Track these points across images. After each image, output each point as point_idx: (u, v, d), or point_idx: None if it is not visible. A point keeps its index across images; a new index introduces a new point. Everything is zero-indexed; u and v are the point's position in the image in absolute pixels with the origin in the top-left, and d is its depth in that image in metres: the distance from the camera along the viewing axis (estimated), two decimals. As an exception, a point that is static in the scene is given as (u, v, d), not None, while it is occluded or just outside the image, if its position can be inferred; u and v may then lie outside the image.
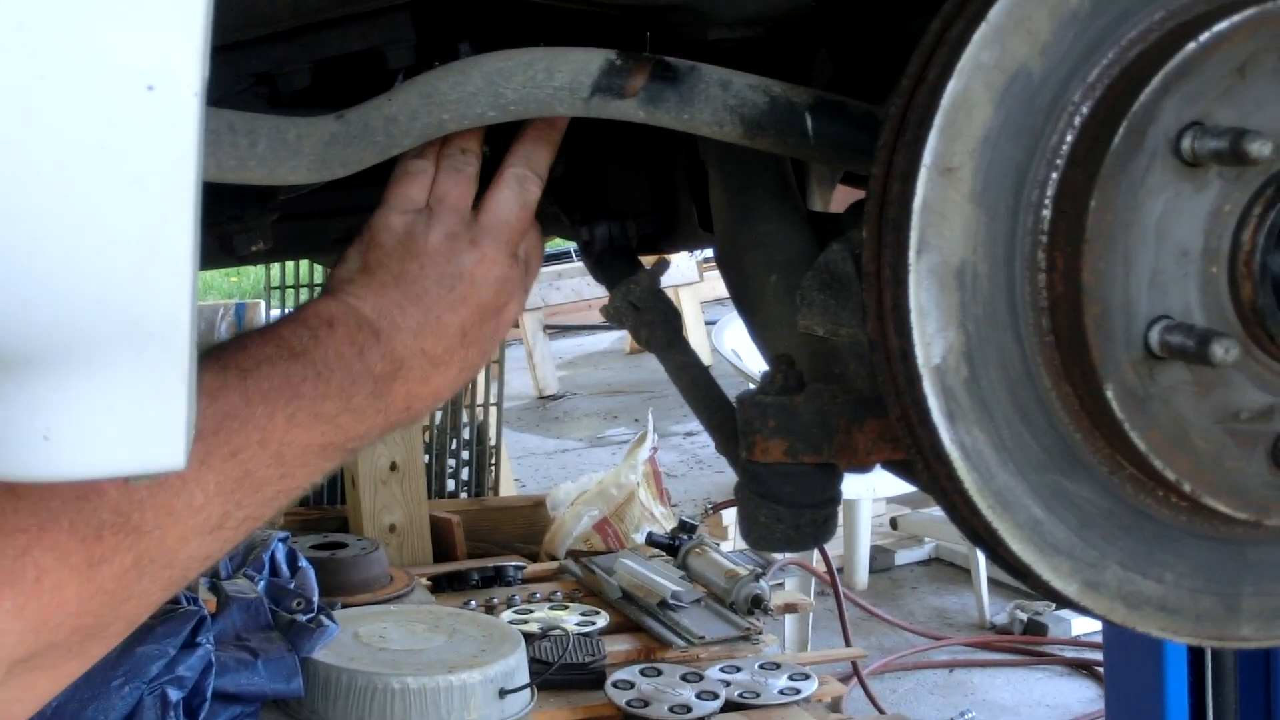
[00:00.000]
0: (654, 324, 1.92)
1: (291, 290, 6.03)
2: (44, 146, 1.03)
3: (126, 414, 1.15)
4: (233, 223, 1.82)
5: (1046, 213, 1.36)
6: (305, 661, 4.12)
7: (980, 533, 1.41)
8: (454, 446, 6.19)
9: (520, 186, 1.70)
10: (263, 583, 4.42)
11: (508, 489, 6.39)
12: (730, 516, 6.07)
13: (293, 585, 4.47)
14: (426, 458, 5.84)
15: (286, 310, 5.99)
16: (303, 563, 4.63)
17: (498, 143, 1.75)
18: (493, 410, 6.30)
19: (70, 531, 1.38)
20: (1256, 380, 1.38)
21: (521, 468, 7.95)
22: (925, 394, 1.36)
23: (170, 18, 1.02)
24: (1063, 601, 1.44)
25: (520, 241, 1.69)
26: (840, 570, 6.19)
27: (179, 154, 1.06)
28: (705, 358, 9.90)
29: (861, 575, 6.57)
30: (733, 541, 5.92)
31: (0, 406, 1.14)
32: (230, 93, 1.71)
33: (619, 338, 10.19)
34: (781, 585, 5.63)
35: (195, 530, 1.44)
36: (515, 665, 4.25)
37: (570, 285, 9.67)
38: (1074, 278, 1.34)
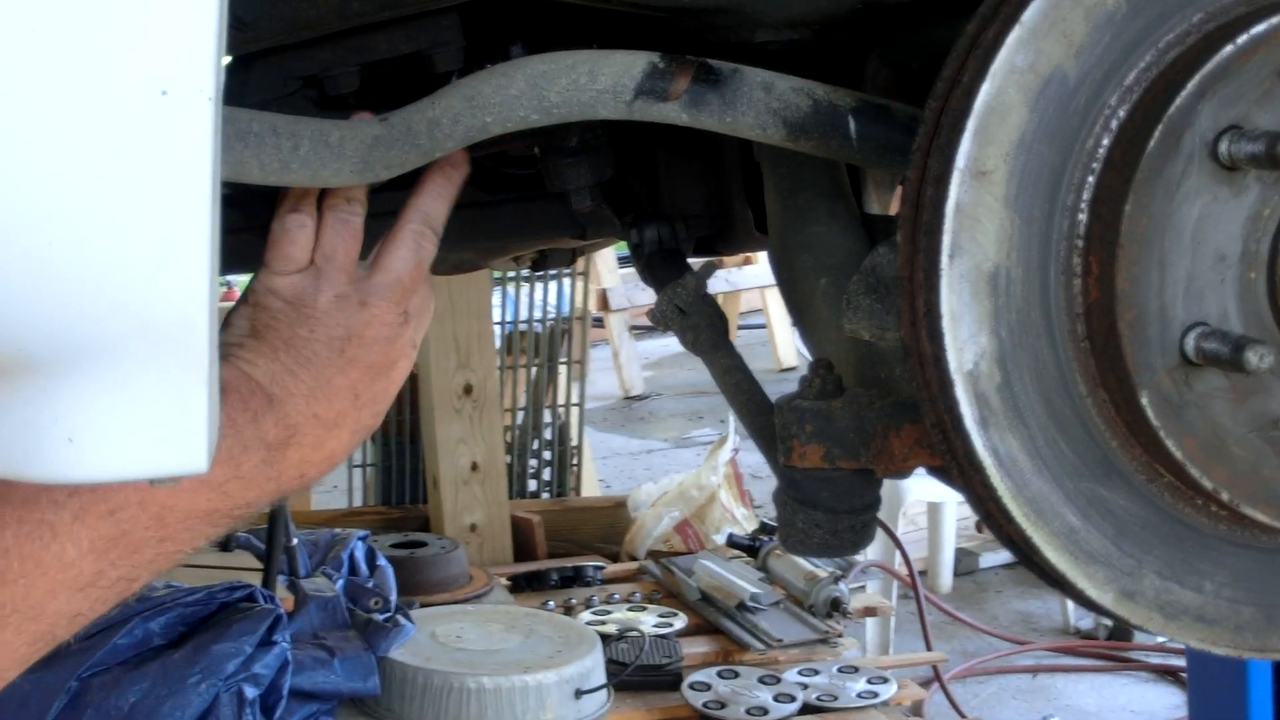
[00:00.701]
0: (699, 327, 1.92)
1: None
2: (59, 151, 1.04)
3: (148, 417, 1.16)
4: (279, 226, 1.83)
5: (1082, 217, 1.35)
6: (382, 660, 4.13)
7: (1015, 540, 1.39)
8: (535, 447, 6.20)
9: (417, 244, 1.65)
10: (341, 581, 4.43)
11: (590, 489, 6.39)
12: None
13: (371, 584, 4.48)
14: (508, 458, 5.85)
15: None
16: (381, 561, 4.64)
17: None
18: (574, 410, 6.31)
19: None
20: (1296, 387, 1.36)
21: (606, 468, 7.95)
22: (958, 399, 1.35)
23: (182, 22, 1.03)
24: (1099, 610, 1.42)
25: (410, 299, 1.64)
26: (923, 573, 6.16)
27: (194, 158, 1.07)
28: (792, 358, 9.89)
29: (945, 578, 6.53)
30: (814, 543, 5.88)
31: (25, 409, 1.16)
32: (278, 96, 1.72)
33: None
34: (863, 588, 5.59)
35: (64, 585, 1.41)
36: (591, 666, 4.24)
37: (658, 286, 9.61)
38: (1108, 283, 1.32)
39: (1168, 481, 1.38)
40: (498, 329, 5.98)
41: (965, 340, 1.34)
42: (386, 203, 1.71)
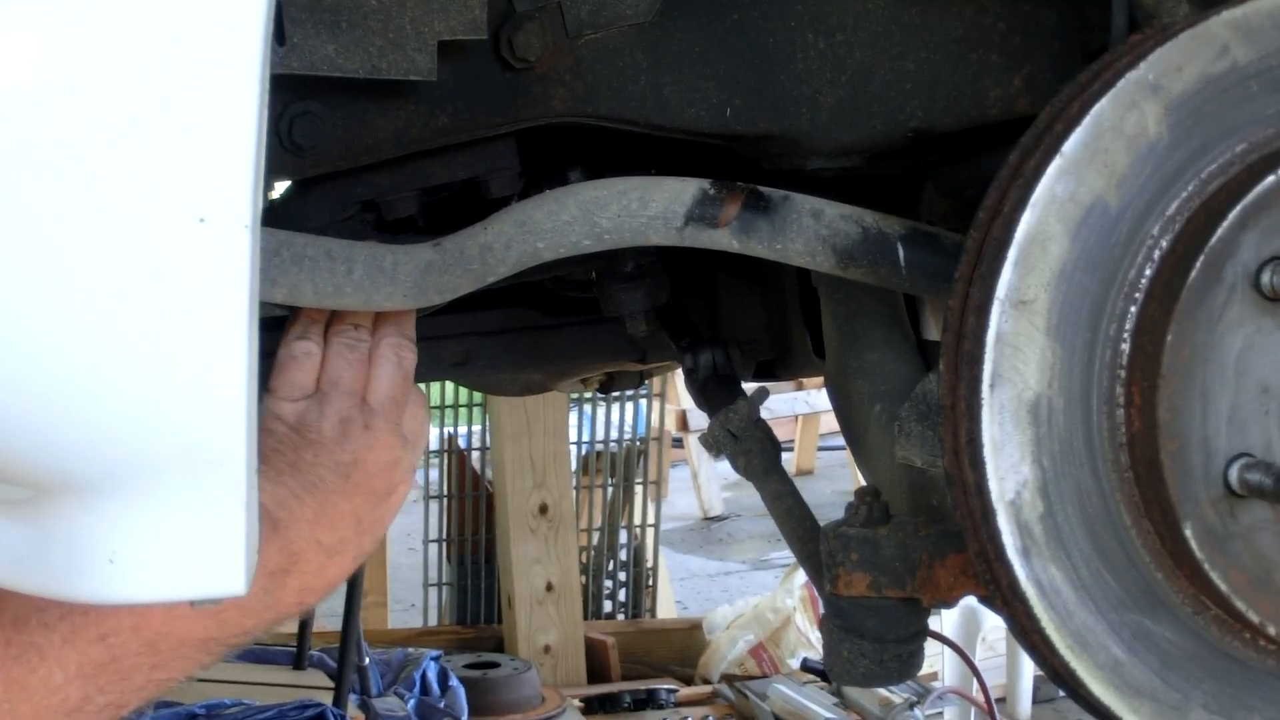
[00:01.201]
0: (751, 453, 1.92)
1: (450, 409, 6.10)
2: (100, 276, 1.06)
3: (187, 539, 1.17)
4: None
5: (1125, 347, 1.35)
6: (452, 781, 4.12)
7: (1060, 673, 1.38)
8: (611, 567, 6.19)
9: (397, 357, 1.62)
10: (413, 701, 4.44)
11: (666, 610, 6.36)
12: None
13: (443, 704, 4.48)
14: (583, 578, 5.84)
15: (447, 430, 6.05)
16: (453, 681, 4.64)
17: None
18: (650, 531, 6.30)
19: None
20: (1342, 520, 1.35)
21: (683, 590, 7.91)
22: (1000, 529, 1.34)
23: (220, 152, 1.05)
24: (1146, 744, 1.40)
25: (404, 416, 1.62)
26: (1001, 700, 6.07)
27: (231, 284, 1.08)
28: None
29: (1024, 706, 6.43)
30: (891, 668, 5.82)
31: (68, 529, 1.17)
32: (336, 219, 1.75)
33: (785, 459, 10.09)
34: (940, 715, 5.53)
35: (50, 709, 1.39)
36: (663, 790, 4.22)
37: (740, 406, 9.60)
38: (1151, 413, 1.32)
39: (1214, 614, 1.37)
40: (574, 449, 5.99)
41: (1007, 469, 1.34)
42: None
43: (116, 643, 1.41)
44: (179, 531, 1.16)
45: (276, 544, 1.48)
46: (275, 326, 1.58)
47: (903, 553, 1.54)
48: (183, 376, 1.10)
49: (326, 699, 4.07)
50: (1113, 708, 1.37)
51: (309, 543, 1.51)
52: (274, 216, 1.73)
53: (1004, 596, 1.37)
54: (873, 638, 1.57)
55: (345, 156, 1.68)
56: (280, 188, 1.82)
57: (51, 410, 1.09)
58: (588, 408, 6.27)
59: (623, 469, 6.27)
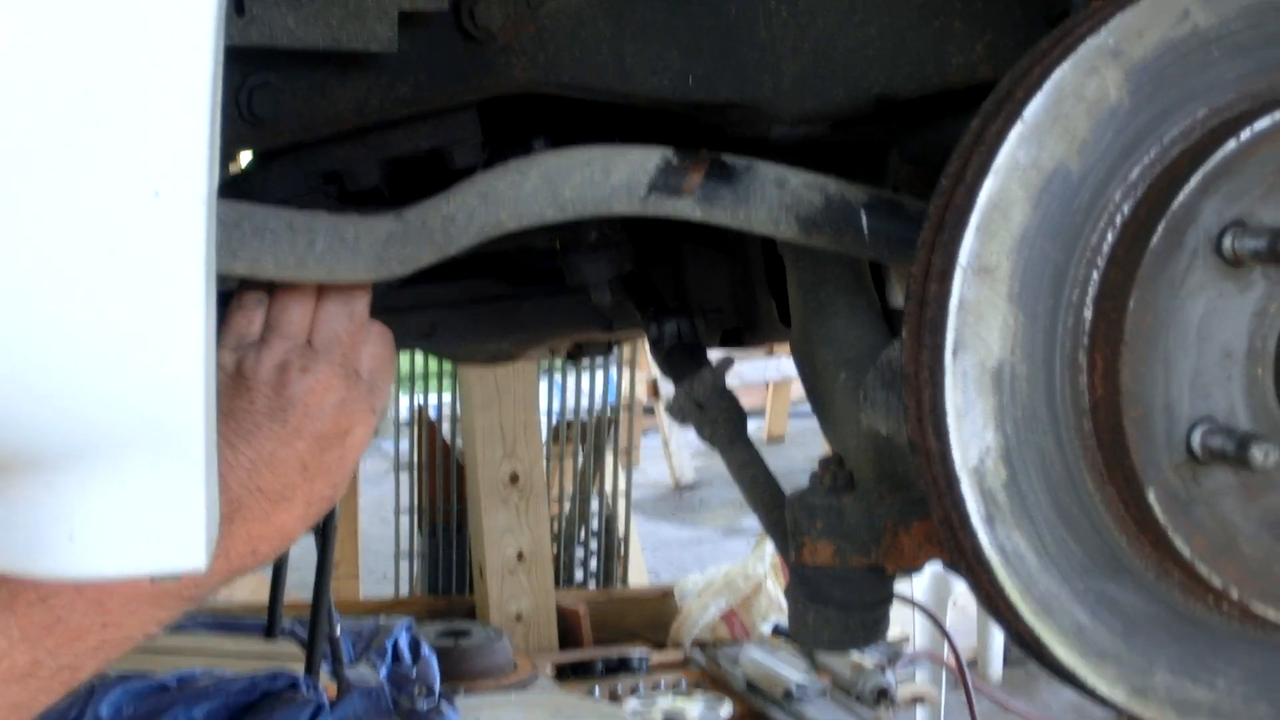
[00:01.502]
0: (717, 422, 1.91)
1: (420, 380, 6.09)
2: (54, 251, 1.05)
3: (147, 515, 1.16)
4: (301, 321, 1.84)
5: (1087, 313, 1.34)
6: (425, 749, 4.12)
7: (1025, 638, 1.38)
8: (582, 536, 6.20)
9: (348, 296, 1.59)
10: (385, 670, 4.43)
11: (638, 578, 6.37)
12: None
13: (414, 673, 4.48)
14: (554, 547, 5.84)
15: (417, 400, 6.05)
16: (425, 650, 4.64)
17: None
18: (622, 499, 6.30)
19: None
20: (1306, 484, 1.35)
21: (655, 558, 7.92)
22: (964, 496, 1.34)
23: (175, 125, 1.04)
24: (1112, 707, 1.40)
25: (358, 357, 1.57)
26: (973, 662, 6.10)
27: (187, 257, 1.08)
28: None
29: (995, 667, 6.46)
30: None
31: (27, 507, 1.16)
32: (299, 191, 1.74)
33: (756, 426, 10.16)
34: (911, 677, 5.55)
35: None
36: (635, 756, 4.23)
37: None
38: (1113, 380, 1.32)
39: (1178, 579, 1.37)
40: (545, 418, 5.99)
41: (970, 437, 1.34)
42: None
43: (59, 603, 1.37)
44: (138, 508, 1.16)
45: None
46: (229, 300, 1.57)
47: (867, 520, 1.54)
48: (140, 352, 1.09)
49: (298, 669, 4.07)
50: (1078, 671, 1.37)
51: (248, 490, 1.47)
52: (235, 189, 1.73)
53: (968, 563, 1.38)
54: (838, 605, 1.57)
55: (305, 128, 1.66)
56: (244, 160, 1.81)
57: (7, 387, 1.09)
58: (558, 376, 6.26)
59: (593, 437, 6.27)
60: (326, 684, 4.26)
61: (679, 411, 1.94)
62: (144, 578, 1.20)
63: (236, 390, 1.50)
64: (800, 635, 1.60)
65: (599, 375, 6.28)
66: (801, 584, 1.58)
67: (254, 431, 1.48)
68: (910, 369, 1.37)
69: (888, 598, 1.60)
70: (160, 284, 1.07)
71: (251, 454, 1.48)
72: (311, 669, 4.10)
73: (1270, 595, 1.35)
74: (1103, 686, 1.38)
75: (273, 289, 1.58)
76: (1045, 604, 1.36)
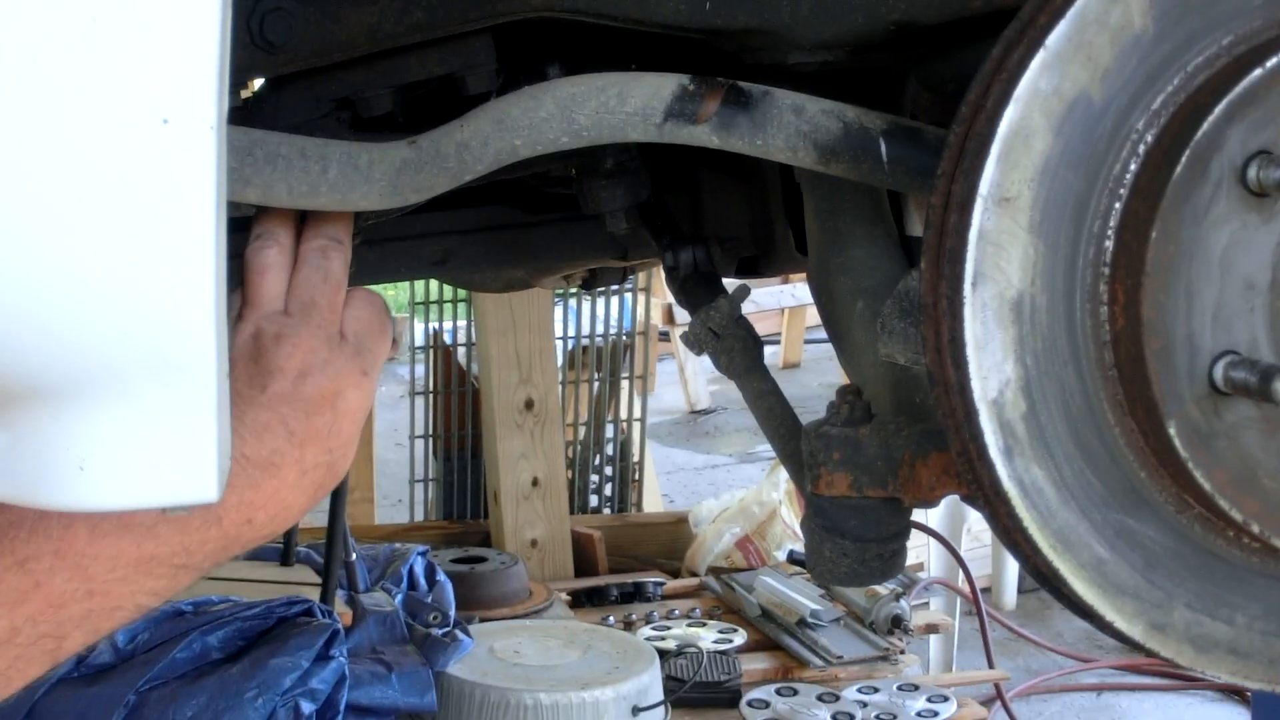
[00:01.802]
0: (733, 351, 1.90)
1: (435, 305, 6.07)
2: (62, 180, 1.04)
3: (158, 446, 1.15)
4: (313, 248, 1.83)
5: (1109, 244, 1.33)
6: (439, 675, 4.12)
7: (1043, 572, 1.37)
8: (597, 462, 6.20)
9: (322, 259, 1.53)
10: (400, 596, 4.44)
11: (653, 505, 6.37)
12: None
13: (429, 599, 4.48)
14: (569, 473, 5.84)
15: (433, 325, 6.04)
16: (440, 576, 4.64)
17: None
18: (637, 426, 6.30)
19: None
20: (1328, 418, 1.33)
21: (670, 483, 7.93)
22: (982, 429, 1.33)
23: (183, 51, 1.03)
24: (1128, 643, 1.40)
25: (340, 318, 1.52)
26: (987, 590, 6.11)
27: (197, 186, 1.06)
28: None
29: (1009, 595, 6.47)
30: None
31: (37, 438, 1.16)
32: (310, 118, 1.72)
33: (772, 352, 10.13)
34: (926, 605, 5.56)
35: None
36: (649, 683, 4.23)
37: (727, 299, 9.52)
38: (1134, 311, 1.30)
39: (1198, 513, 1.36)
40: (560, 344, 5.98)
41: (990, 368, 1.32)
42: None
43: (38, 568, 1.32)
44: (149, 438, 1.15)
45: None
46: (240, 227, 1.56)
47: (884, 452, 1.53)
48: (149, 281, 1.08)
49: (314, 595, 4.08)
50: (1095, 606, 1.36)
51: (233, 457, 1.39)
52: (247, 115, 1.71)
53: (986, 496, 1.37)
54: (854, 537, 1.56)
55: (318, 53, 1.65)
56: (256, 87, 1.79)
57: (14, 316, 1.08)
58: (573, 302, 6.25)
59: (609, 363, 6.26)
60: (342, 610, 4.27)
61: (695, 341, 1.92)
62: (155, 509, 1.18)
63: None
64: (817, 568, 1.59)
65: (614, 301, 6.26)
66: (817, 515, 1.57)
67: (234, 402, 1.40)
68: (929, 300, 1.36)
69: (904, 531, 1.59)
70: (170, 213, 1.06)
71: (232, 422, 1.40)
72: (327, 595, 4.10)
73: (1291, 530, 1.34)
74: (1121, 622, 1.37)
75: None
76: (1064, 538, 1.35)
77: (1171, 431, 1.31)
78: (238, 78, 1.64)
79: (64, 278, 1.07)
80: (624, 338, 6.30)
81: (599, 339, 6.27)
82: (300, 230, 1.56)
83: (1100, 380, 1.34)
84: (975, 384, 1.32)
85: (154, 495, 1.17)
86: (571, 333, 6.27)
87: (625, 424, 6.29)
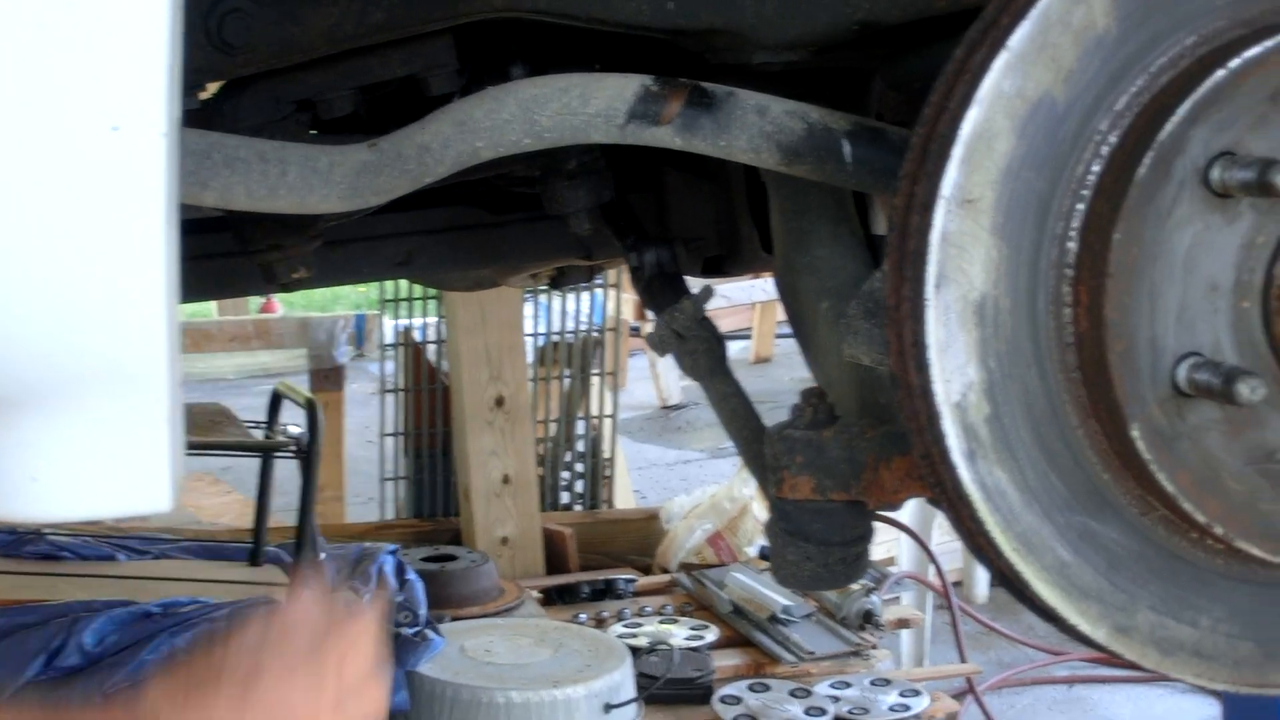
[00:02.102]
0: (697, 352, 1.89)
1: (405, 302, 6.05)
2: (9, 188, 1.03)
3: (111, 456, 1.14)
4: (273, 251, 1.82)
5: (1071, 245, 1.32)
6: (411, 675, 4.11)
7: (1006, 575, 1.37)
8: (568, 459, 6.18)
9: (318, 594, 1.46)
10: (369, 596, 4.42)
11: (624, 501, 6.35)
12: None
13: (400, 598, 4.46)
14: (540, 470, 5.82)
15: (401, 323, 6.02)
16: (411, 575, 4.62)
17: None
18: (608, 422, 6.28)
19: None
20: (1291, 419, 1.33)
21: (642, 479, 7.92)
22: (945, 432, 1.32)
23: (133, 60, 1.01)
24: (1093, 645, 1.39)
25: (337, 658, 1.40)
26: (959, 584, 6.11)
27: (147, 193, 1.05)
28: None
29: (981, 589, 6.46)
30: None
31: (-10, 447, 1.14)
32: (270, 120, 1.71)
33: (742, 347, 10.13)
34: (897, 599, 5.55)
35: None
36: (621, 680, 4.22)
37: (698, 294, 9.50)
38: (1098, 313, 1.29)
39: (1161, 515, 1.35)
40: (530, 341, 5.96)
41: (953, 371, 1.31)
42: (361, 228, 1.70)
43: None
44: (102, 448, 1.14)
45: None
46: (201, 229, 1.55)
47: (848, 455, 1.52)
48: (99, 289, 1.07)
49: (283, 595, 4.06)
50: (1059, 609, 1.36)
51: None
52: (206, 118, 1.70)
53: (949, 499, 1.36)
54: (818, 541, 1.55)
55: (278, 55, 1.64)
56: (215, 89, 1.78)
57: (-35, 326, 1.06)
58: (544, 299, 6.23)
59: (579, 360, 6.24)
60: (311, 610, 4.24)
61: (659, 342, 1.91)
62: (108, 518, 1.17)
63: (205, 682, 1.38)
64: (780, 572, 1.58)
65: (585, 297, 6.25)
66: (781, 519, 1.56)
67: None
68: (892, 302, 1.35)
69: (868, 534, 1.58)
70: (120, 221, 1.05)
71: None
72: (296, 595, 4.08)
73: (1254, 532, 1.33)
74: (1085, 625, 1.36)
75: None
76: (1027, 541, 1.34)
77: (1135, 434, 1.30)
78: (196, 80, 1.63)
79: (11, 286, 1.06)
80: (595, 334, 6.28)
81: (569, 335, 6.25)
82: None
83: (1063, 382, 1.33)
84: (938, 387, 1.31)
85: (108, 506, 1.16)
86: (542, 329, 6.25)
87: (596, 420, 6.27)
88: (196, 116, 1.69)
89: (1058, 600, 1.35)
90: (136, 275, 1.06)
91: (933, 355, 1.31)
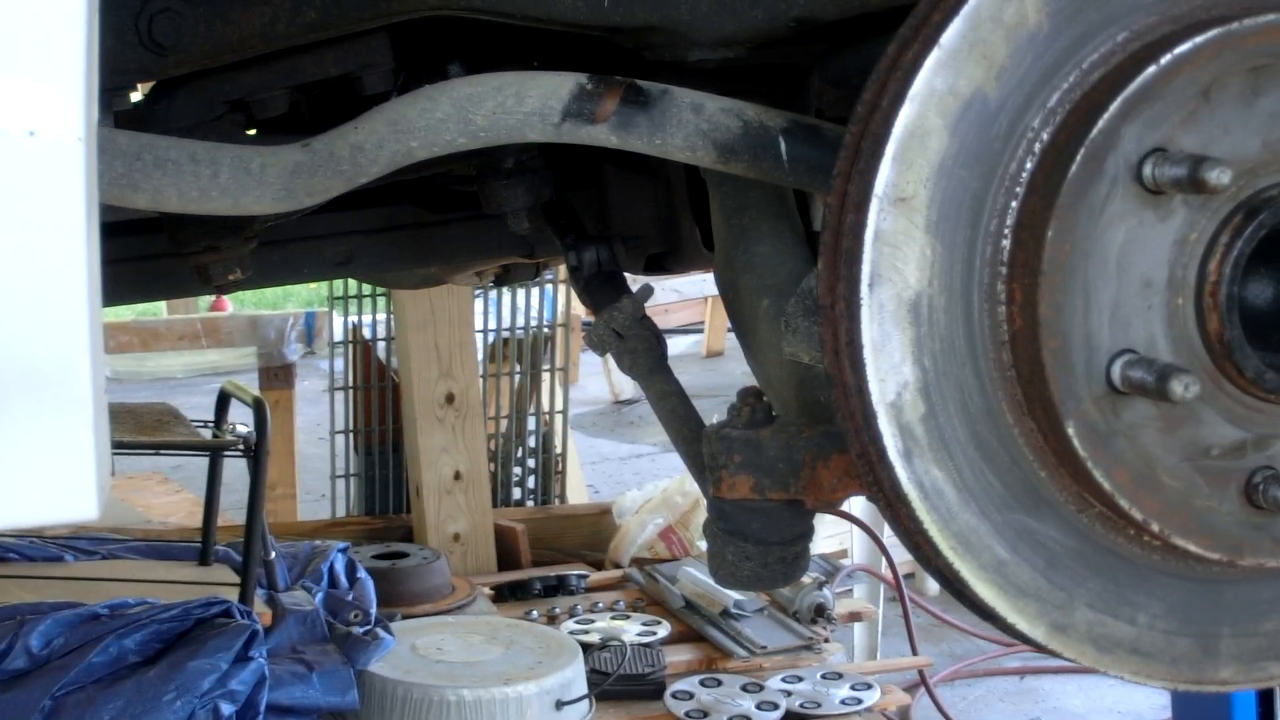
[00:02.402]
0: (636, 351, 1.88)
1: (355, 300, 6.02)
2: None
3: (35, 464, 1.12)
4: (209, 252, 1.80)
5: (1005, 243, 1.32)
6: (361, 674, 4.09)
7: (944, 574, 1.36)
8: (520, 455, 6.16)
9: None
10: (320, 595, 4.40)
11: (577, 496, 6.34)
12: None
13: (351, 597, 4.45)
14: (492, 466, 5.81)
15: (351, 320, 5.99)
16: (361, 574, 4.60)
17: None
18: (559, 417, 6.27)
19: None
20: (1226, 415, 1.33)
21: (594, 474, 7.92)
22: (881, 431, 1.31)
23: (48, 65, 1.00)
24: (1031, 644, 1.39)
25: None
26: (910, 576, 6.12)
27: (65, 198, 1.04)
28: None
29: (932, 582, 6.50)
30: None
31: (-89, 457, 1.13)
32: (204, 120, 1.69)
33: (694, 341, 10.15)
34: (850, 593, 5.56)
35: None
36: (572, 677, 4.21)
37: (649, 288, 9.46)
38: (1032, 311, 1.29)
39: (1098, 512, 1.35)
40: (480, 337, 5.95)
41: (888, 371, 1.31)
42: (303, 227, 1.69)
43: None
44: (25, 457, 1.12)
45: None
46: (136, 230, 1.53)
47: (786, 454, 1.51)
48: (17, 295, 1.05)
49: (232, 595, 4.03)
50: (997, 608, 1.35)
51: None
52: (137, 119, 1.68)
53: (887, 498, 1.35)
54: (757, 540, 1.54)
55: (210, 55, 1.62)
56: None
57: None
58: (494, 295, 6.21)
59: (530, 355, 6.23)
60: (261, 610, 4.23)
61: (599, 341, 1.90)
62: (35, 527, 1.16)
63: None
64: (719, 572, 1.57)
65: (535, 293, 6.23)
66: (719, 519, 1.55)
67: None
68: (826, 301, 1.35)
69: (808, 533, 1.57)
70: (38, 226, 1.03)
71: None
72: (246, 595, 4.06)
73: (1190, 528, 1.33)
74: (1023, 624, 1.36)
75: None
76: (964, 539, 1.34)
77: (1070, 431, 1.30)
78: (127, 80, 1.61)
79: (-68, 294, 1.04)
80: (545, 329, 6.27)
81: (520, 331, 6.24)
82: None
83: (999, 381, 1.33)
84: (873, 386, 1.31)
85: (30, 514, 1.14)
86: (492, 326, 6.23)
87: (548, 415, 6.26)
88: (129, 117, 1.67)
89: (995, 599, 1.35)
90: (56, 280, 1.05)
91: (868, 354, 1.30)
